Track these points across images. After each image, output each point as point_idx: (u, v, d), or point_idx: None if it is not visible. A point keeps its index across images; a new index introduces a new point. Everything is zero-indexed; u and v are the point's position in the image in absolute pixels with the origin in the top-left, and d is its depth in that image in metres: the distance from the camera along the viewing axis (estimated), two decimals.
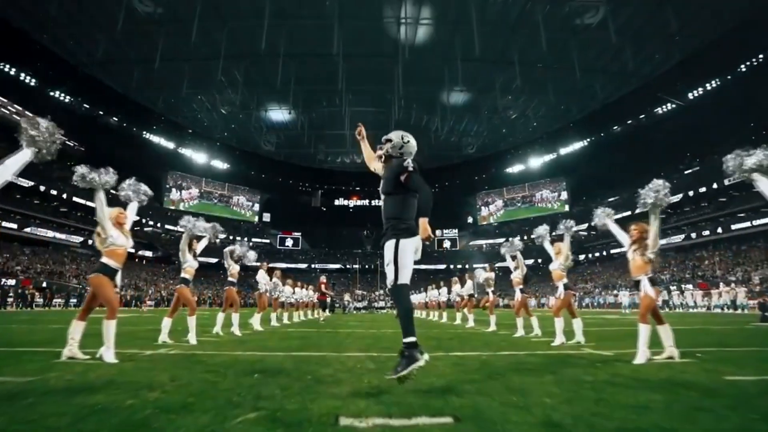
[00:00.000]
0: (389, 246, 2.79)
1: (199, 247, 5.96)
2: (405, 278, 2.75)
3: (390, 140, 3.11)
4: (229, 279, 7.16)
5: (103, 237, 3.90)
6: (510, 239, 7.80)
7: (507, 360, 4.17)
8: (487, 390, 2.69)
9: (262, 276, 8.81)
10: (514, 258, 7.49)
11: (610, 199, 49.02)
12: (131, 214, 4.40)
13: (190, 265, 5.67)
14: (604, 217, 4.93)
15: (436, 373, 3.33)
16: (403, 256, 2.75)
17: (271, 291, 9.49)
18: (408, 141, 3.09)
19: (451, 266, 57.25)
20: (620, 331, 8.45)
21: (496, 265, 9.92)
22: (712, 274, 31.83)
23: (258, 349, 4.98)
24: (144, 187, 4.64)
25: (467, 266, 50.14)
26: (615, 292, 36.13)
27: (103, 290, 3.79)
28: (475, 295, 11.50)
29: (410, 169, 2.83)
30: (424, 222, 2.72)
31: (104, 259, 3.91)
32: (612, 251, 48.39)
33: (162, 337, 5.49)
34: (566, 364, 3.83)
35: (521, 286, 7.40)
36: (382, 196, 3.00)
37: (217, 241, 6.51)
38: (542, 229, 6.30)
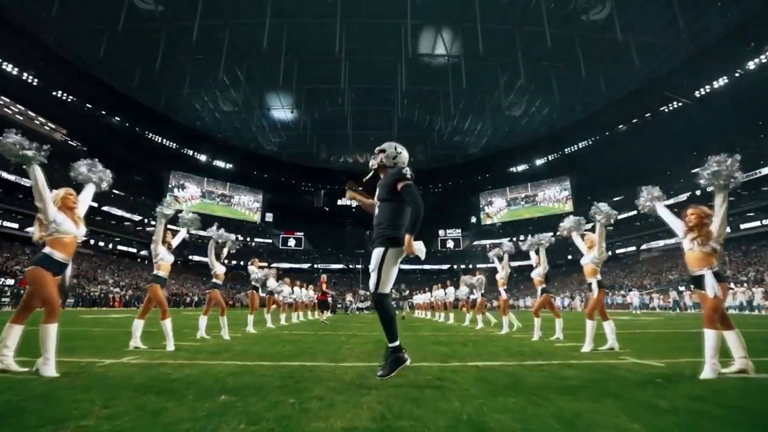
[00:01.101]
0: (377, 253, 2.84)
1: (175, 241, 5.22)
2: (386, 288, 2.82)
3: (383, 150, 3.14)
4: (214, 281, 6.43)
5: (45, 223, 3.14)
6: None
7: (540, 373, 3.38)
8: (533, 421, 1.92)
9: (253, 270, 8.03)
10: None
11: (615, 199, 47.95)
12: (86, 198, 3.65)
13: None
14: (652, 199, 4.06)
15: (458, 393, 2.54)
16: (387, 265, 2.82)
17: (261, 284, 8.73)
18: (401, 152, 3.13)
19: (455, 266, 56.40)
20: (649, 335, 7.62)
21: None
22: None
23: (240, 357, 4.20)
24: (103, 169, 3.88)
25: (470, 266, 49.29)
26: (622, 292, 35.21)
27: (41, 287, 3.02)
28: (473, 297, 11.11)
29: (408, 177, 2.87)
30: (409, 238, 2.75)
31: (47, 250, 3.15)
32: (617, 251, 47.49)
33: (133, 342, 4.74)
34: (619, 381, 3.03)
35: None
36: (377, 203, 3.04)
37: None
38: (571, 221, 5.51)
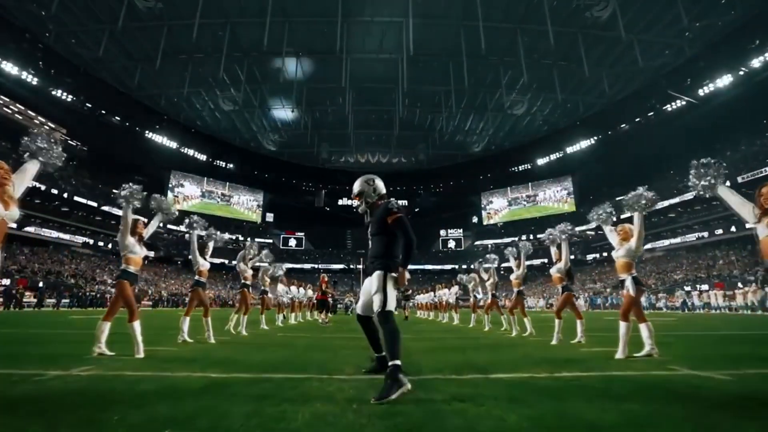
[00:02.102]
0: (378, 275, 2.81)
1: (147, 232, 4.49)
2: (391, 306, 2.79)
3: (361, 193, 3.12)
4: (197, 278, 5.75)
5: None
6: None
7: (582, 389, 2.68)
8: None
9: (244, 268, 7.34)
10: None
11: (618, 198, 47.18)
12: (26, 178, 2.99)
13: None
14: (718, 185, 3.13)
15: (489, 423, 1.84)
16: (390, 286, 2.81)
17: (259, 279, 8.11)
18: (374, 182, 3.13)
19: (456, 267, 55.63)
20: (683, 338, 6.89)
21: (502, 265, 8.78)
22: (729, 274, 30.04)
23: (217, 367, 3.50)
24: (57, 148, 3.25)
25: (473, 266, 48.51)
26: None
27: None
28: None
29: (395, 210, 2.86)
30: (403, 271, 2.78)
31: None
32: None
33: (97, 347, 4.05)
34: (696, 403, 2.32)
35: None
36: (370, 237, 3.01)
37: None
38: (604, 209, 4.83)
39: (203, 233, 5.98)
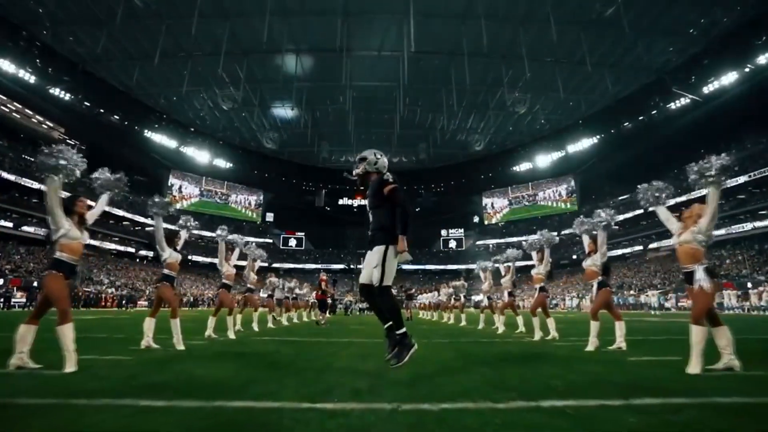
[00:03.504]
0: (378, 250, 2.87)
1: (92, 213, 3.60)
2: (389, 281, 2.86)
3: (364, 158, 3.19)
4: (165, 271, 4.79)
5: None
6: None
7: (686, 421, 1.70)
8: None
9: (226, 267, 6.36)
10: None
11: (621, 198, 46.30)
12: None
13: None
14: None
15: None
16: (390, 260, 2.85)
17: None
18: (380, 157, 3.19)
19: (456, 266, 54.63)
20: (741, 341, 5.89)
21: (518, 264, 7.86)
22: (738, 274, 29.00)
23: (160, 390, 2.51)
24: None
25: (482, 264, 47.44)
26: (632, 291, 33.45)
27: None
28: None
29: (391, 180, 2.96)
30: (402, 238, 2.82)
31: None
32: (623, 251, 45.63)
33: (14, 359, 3.08)
34: None
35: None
36: (369, 211, 3.07)
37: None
38: (657, 187, 3.90)
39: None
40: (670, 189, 3.99)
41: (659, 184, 3.98)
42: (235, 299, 8.62)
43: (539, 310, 6.41)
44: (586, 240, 5.25)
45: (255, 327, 7.93)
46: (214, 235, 6.60)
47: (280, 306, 9.98)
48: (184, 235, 5.27)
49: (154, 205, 4.57)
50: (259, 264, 7.95)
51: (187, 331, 7.20)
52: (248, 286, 7.71)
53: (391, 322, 2.83)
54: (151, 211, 4.62)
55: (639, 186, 4.20)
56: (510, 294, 7.82)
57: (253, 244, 7.58)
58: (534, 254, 6.71)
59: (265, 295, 9.48)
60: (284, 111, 48.89)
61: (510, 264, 7.91)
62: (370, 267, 2.91)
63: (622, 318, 4.87)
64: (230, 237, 6.20)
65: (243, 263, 7.84)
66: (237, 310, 6.97)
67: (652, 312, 22.48)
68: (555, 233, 6.62)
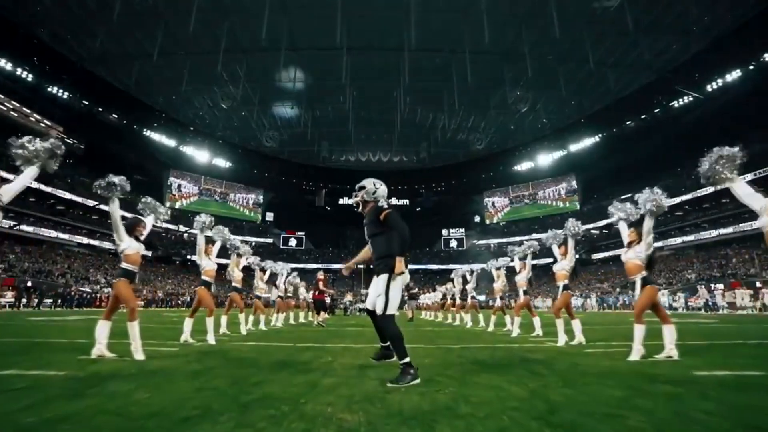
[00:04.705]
0: (382, 278, 2.89)
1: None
2: (393, 309, 2.86)
3: (363, 187, 3.20)
4: (123, 265, 3.95)
5: None
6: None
7: None
8: None
9: (206, 262, 5.51)
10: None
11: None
12: None
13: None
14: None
15: None
16: (393, 289, 2.86)
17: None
18: (379, 186, 3.20)
19: (458, 266, 53.67)
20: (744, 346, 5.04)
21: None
22: (746, 273, 28.10)
23: (65, 421, 1.67)
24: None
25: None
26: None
27: None
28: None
29: (386, 207, 3.01)
30: (400, 260, 2.84)
31: None
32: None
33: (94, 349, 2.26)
34: None
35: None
36: (369, 240, 3.11)
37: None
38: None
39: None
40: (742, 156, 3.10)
41: (731, 150, 3.09)
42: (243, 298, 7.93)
43: (563, 310, 5.55)
44: (624, 229, 4.40)
45: (243, 330, 7.07)
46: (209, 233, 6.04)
47: (268, 306, 9.12)
48: (149, 222, 4.44)
49: (106, 186, 3.87)
50: (246, 261, 7.13)
51: (166, 335, 6.36)
52: (233, 285, 6.85)
53: (388, 342, 2.88)
54: (104, 192, 3.85)
55: (702, 158, 3.32)
56: (525, 293, 6.96)
57: (238, 239, 6.74)
58: (555, 248, 5.86)
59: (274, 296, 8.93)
60: (284, 110, 48.09)
61: (525, 260, 7.06)
62: (374, 295, 2.99)
63: (671, 321, 4.02)
64: (209, 233, 5.64)
65: (241, 262, 7.10)
66: (218, 312, 6.11)
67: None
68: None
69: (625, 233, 4.37)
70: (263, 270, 8.37)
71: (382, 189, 3.19)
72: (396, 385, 2.59)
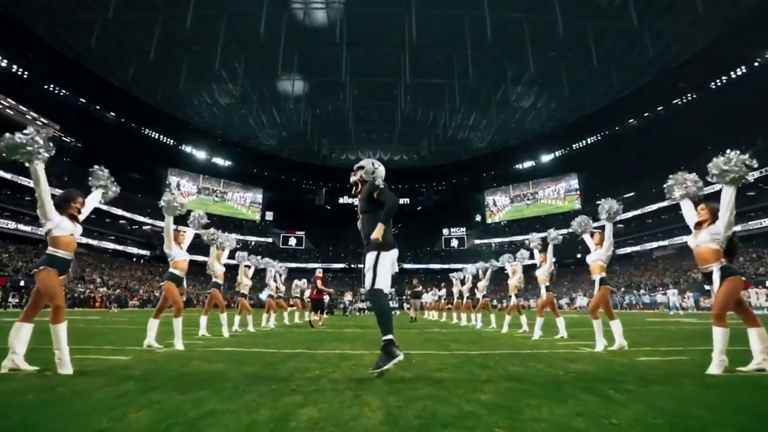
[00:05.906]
0: (371, 255, 2.89)
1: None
2: (381, 284, 2.84)
3: (362, 167, 3.21)
4: (50, 251, 3.03)
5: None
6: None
7: None
8: None
9: (176, 250, 4.59)
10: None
11: (626, 196, 44.41)
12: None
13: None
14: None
15: None
16: (381, 265, 2.86)
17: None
18: (378, 167, 3.19)
19: (458, 266, 52.77)
20: None
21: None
22: (755, 272, 27.16)
23: None
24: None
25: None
26: (642, 291, 31.62)
27: None
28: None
29: (381, 185, 3.00)
30: (381, 227, 2.82)
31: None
32: (629, 250, 43.80)
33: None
34: None
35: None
36: (360, 216, 3.10)
37: None
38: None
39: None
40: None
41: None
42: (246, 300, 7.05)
43: (600, 310, 4.62)
44: (689, 209, 3.49)
45: (225, 333, 6.11)
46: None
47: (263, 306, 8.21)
48: (93, 199, 3.52)
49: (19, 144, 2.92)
50: (237, 258, 6.22)
51: (141, 338, 5.46)
52: (214, 280, 5.91)
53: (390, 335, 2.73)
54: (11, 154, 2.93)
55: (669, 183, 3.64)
56: (547, 289, 6.02)
57: (220, 231, 5.81)
58: (587, 237, 4.93)
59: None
60: (284, 108, 47.19)
61: (546, 252, 6.13)
62: (366, 271, 2.95)
63: (760, 322, 3.09)
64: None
65: (222, 255, 6.20)
66: (184, 311, 5.16)
67: (670, 312, 20.63)
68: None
69: (691, 213, 3.45)
70: (247, 266, 7.45)
71: (381, 170, 3.16)
72: (379, 370, 2.56)
